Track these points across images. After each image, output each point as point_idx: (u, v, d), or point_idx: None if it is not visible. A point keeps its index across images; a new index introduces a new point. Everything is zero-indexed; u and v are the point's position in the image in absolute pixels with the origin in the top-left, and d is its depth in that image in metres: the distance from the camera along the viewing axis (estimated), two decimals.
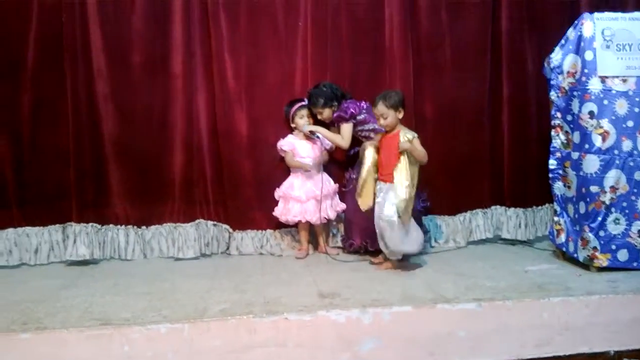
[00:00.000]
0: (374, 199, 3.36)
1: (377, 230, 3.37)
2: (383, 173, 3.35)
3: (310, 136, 3.76)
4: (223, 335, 2.60)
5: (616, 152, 3.22)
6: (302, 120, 3.76)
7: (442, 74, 4.01)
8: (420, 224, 3.69)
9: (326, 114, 3.73)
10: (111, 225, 3.78)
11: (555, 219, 3.58)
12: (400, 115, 3.33)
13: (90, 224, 3.71)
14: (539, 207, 4.13)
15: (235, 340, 2.60)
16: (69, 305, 2.87)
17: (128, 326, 2.56)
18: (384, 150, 3.37)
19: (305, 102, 3.78)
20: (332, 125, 3.79)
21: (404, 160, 3.24)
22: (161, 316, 2.67)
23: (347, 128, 3.67)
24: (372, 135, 3.64)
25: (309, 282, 3.20)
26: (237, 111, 3.85)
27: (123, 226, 3.80)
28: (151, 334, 2.55)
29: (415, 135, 3.28)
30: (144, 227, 3.83)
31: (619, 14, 3.27)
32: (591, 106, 3.24)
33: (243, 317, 2.64)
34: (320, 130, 3.71)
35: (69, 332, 2.53)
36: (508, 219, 4.07)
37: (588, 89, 3.24)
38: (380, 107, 3.30)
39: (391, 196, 3.25)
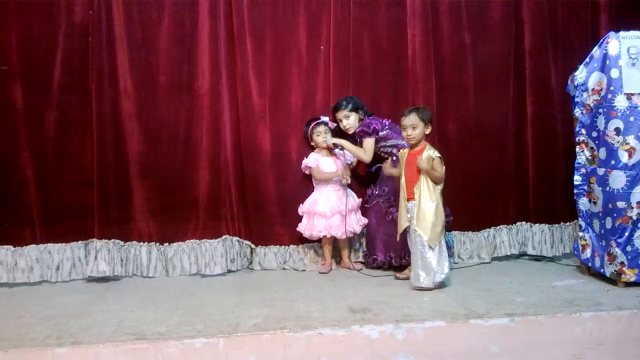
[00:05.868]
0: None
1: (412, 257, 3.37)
2: (408, 191, 3.36)
3: (333, 148, 3.79)
4: (258, 350, 2.60)
5: None
6: (319, 137, 3.80)
7: (466, 94, 4.05)
8: None
9: (352, 118, 3.77)
10: (134, 242, 3.77)
11: (580, 234, 3.59)
12: (428, 131, 3.39)
13: (112, 240, 3.70)
14: (567, 224, 4.13)
15: (270, 355, 2.60)
16: (100, 320, 2.88)
17: (164, 340, 2.57)
18: (408, 167, 3.38)
19: (322, 120, 3.83)
20: (354, 141, 3.82)
21: (423, 178, 3.27)
22: (195, 331, 2.67)
23: (369, 142, 3.72)
24: (394, 151, 3.68)
25: (337, 297, 3.20)
26: (261, 129, 3.89)
27: (146, 243, 3.79)
28: (187, 348, 2.55)
29: (439, 155, 3.31)
30: (166, 244, 3.82)
31: None
32: (617, 123, 3.27)
33: (277, 332, 2.64)
34: (343, 143, 3.74)
35: (105, 347, 2.53)
36: (533, 235, 4.06)
37: (614, 106, 3.28)
38: (413, 117, 3.35)
39: (418, 217, 3.27)
